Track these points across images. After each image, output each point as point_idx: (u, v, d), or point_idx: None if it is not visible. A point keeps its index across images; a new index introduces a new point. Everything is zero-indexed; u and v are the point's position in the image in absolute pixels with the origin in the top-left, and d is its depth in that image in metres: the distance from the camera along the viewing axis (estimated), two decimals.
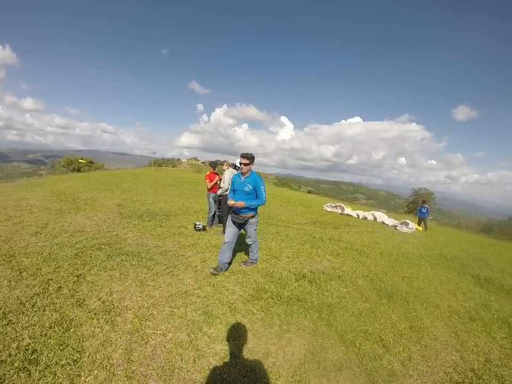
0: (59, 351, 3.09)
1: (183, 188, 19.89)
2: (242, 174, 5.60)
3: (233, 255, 6.29)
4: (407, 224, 15.56)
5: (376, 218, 17.38)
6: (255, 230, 5.88)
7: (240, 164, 5.46)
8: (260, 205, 5.60)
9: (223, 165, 8.84)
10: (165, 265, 5.64)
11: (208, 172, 9.17)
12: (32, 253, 5.54)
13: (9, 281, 4.42)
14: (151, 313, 3.97)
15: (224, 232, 8.24)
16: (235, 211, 5.62)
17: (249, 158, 5.46)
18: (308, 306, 4.62)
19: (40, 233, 6.69)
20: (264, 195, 5.56)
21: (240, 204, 5.37)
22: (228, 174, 8.23)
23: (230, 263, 5.83)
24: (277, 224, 11.13)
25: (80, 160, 51.15)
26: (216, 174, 9.18)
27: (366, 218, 17.38)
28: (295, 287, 5.29)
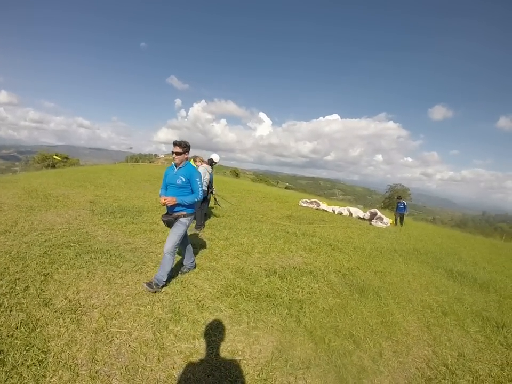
0: (25, 351, 3.05)
1: (158, 184, 19.46)
2: (176, 165, 4.79)
3: (197, 253, 6.34)
4: (382, 219, 15.78)
5: (351, 213, 17.65)
6: (181, 233, 4.74)
7: (172, 152, 4.72)
8: (194, 201, 4.73)
9: (195, 161, 8.70)
10: (134, 262, 5.59)
11: None
12: (0, 252, 5.41)
13: None
14: (117, 312, 3.94)
15: (196, 227, 8.20)
16: (168, 210, 4.83)
17: (183, 146, 4.67)
18: (277, 303, 4.65)
19: (9, 232, 6.53)
20: (199, 189, 4.76)
21: (171, 200, 4.56)
22: (202, 170, 8.18)
23: (194, 266, 5.60)
24: (250, 220, 11.15)
25: (54, 156, 50.04)
26: None
27: (341, 213, 17.65)
28: (265, 283, 5.31)
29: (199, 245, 7.01)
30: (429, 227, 22.52)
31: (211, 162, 9.03)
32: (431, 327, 4.74)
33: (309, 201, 19.82)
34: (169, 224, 4.78)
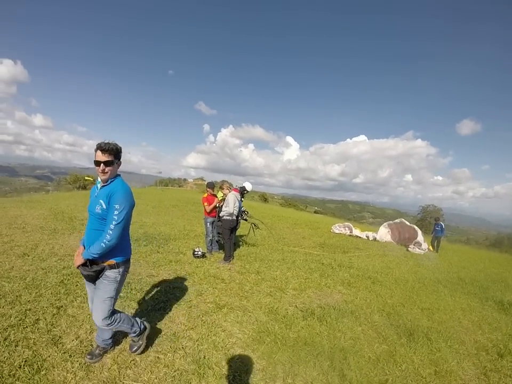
0: None
1: (186, 209, 19.40)
2: (102, 181, 3.15)
3: (227, 289, 5.77)
4: (420, 245, 14.92)
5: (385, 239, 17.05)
6: (111, 296, 3.11)
7: (97, 163, 2.99)
8: (106, 248, 2.92)
9: (221, 188, 8.25)
10: (156, 299, 5.07)
11: (206, 194, 8.47)
12: (15, 278, 5.11)
13: None
14: (133, 360, 3.39)
15: (225, 259, 7.64)
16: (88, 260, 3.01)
17: (113, 151, 3.05)
18: (317, 352, 3.98)
19: (28, 255, 6.28)
20: (116, 223, 2.92)
21: (77, 259, 3.05)
22: (232, 197, 7.70)
23: (109, 346, 3.50)
24: (282, 250, 10.56)
25: (86, 178, 51.18)
26: (215, 196, 8.54)
27: (375, 239, 16.98)
28: (303, 327, 4.65)
29: (228, 280, 6.45)
30: (466, 250, 21.57)
31: (243, 190, 8.55)
32: (488, 373, 4.09)
33: (341, 226, 19.40)
34: (91, 279, 3.08)
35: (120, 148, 3.14)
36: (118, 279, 3.13)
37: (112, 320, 3.17)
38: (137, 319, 3.57)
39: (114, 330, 3.31)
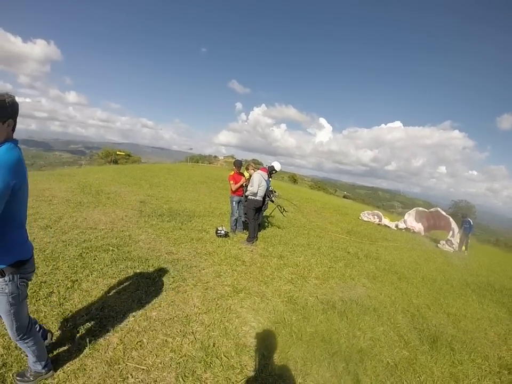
0: None
1: (214, 186, 19.27)
2: None
3: (247, 272, 5.57)
4: (452, 244, 14.34)
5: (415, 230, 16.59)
6: (11, 309, 2.31)
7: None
8: None
9: (247, 169, 8.15)
10: (173, 277, 4.92)
11: (233, 172, 8.26)
12: (35, 249, 4.97)
13: None
14: (140, 341, 3.27)
15: (248, 240, 7.51)
16: None
17: None
18: (333, 351, 3.73)
19: (51, 227, 6.27)
20: None
21: None
22: (257, 177, 7.53)
23: (47, 370, 2.72)
24: (308, 234, 10.31)
25: (118, 152, 52.12)
26: (242, 174, 8.33)
27: (405, 229, 16.76)
28: (321, 321, 4.40)
29: (249, 262, 6.26)
30: (495, 251, 20.68)
31: (271, 170, 8.31)
32: None
33: (370, 213, 19.09)
34: None
35: (9, 101, 2.10)
36: (7, 290, 2.23)
37: (24, 335, 2.47)
38: (49, 359, 2.77)
39: (39, 352, 2.59)
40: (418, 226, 17.17)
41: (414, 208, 18.04)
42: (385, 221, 17.77)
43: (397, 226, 17.13)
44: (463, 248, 15.23)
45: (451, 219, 15.28)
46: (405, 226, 16.96)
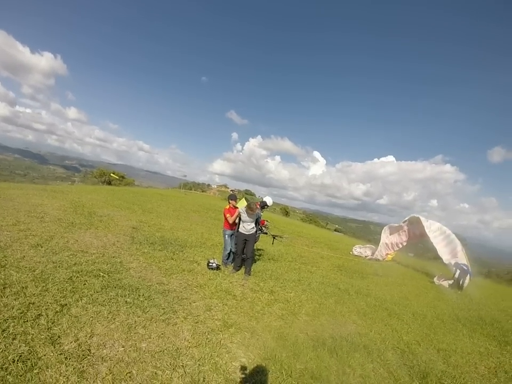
0: None
1: (207, 216, 19.24)
2: None
3: (238, 306, 5.48)
4: (445, 279, 14.34)
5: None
6: None
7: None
8: None
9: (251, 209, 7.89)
10: (163, 309, 4.85)
11: (228, 206, 8.16)
12: (25, 268, 5.04)
13: None
14: (130, 372, 3.21)
15: (235, 269, 7.58)
16: None
17: None
18: None
19: (41, 247, 6.23)
20: None
21: None
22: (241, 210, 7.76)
23: None
24: (299, 269, 10.26)
25: (111, 174, 52.08)
26: (237, 208, 8.18)
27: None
28: (311, 358, 4.37)
29: (240, 297, 6.22)
30: (486, 284, 20.71)
31: (263, 205, 8.38)
32: None
33: (362, 247, 19.32)
34: None
35: None
36: None
37: None
38: None
39: None
40: (380, 254, 17.74)
41: (387, 225, 18.25)
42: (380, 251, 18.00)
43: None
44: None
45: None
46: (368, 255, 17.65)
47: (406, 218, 17.33)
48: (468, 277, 13.94)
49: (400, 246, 17.72)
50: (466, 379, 4.83)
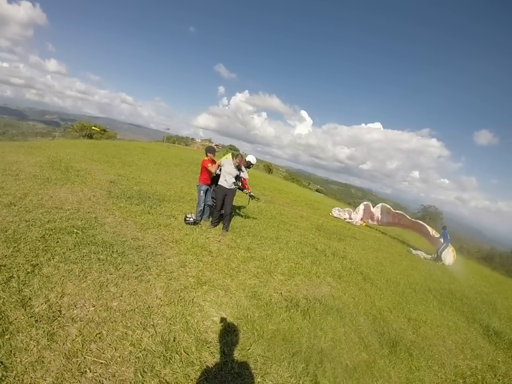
0: None
1: (188, 170, 19.08)
2: None
3: (213, 263, 5.54)
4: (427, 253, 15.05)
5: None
6: None
7: None
8: None
9: (236, 158, 7.68)
10: (136, 265, 4.82)
11: (207, 158, 7.81)
12: None
13: None
14: (100, 333, 3.21)
15: (212, 225, 7.69)
16: None
17: None
18: (294, 350, 3.79)
19: (15, 205, 6.03)
20: None
21: None
22: (223, 161, 7.69)
23: None
24: (278, 227, 10.36)
25: (93, 127, 50.84)
26: (215, 162, 7.92)
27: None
28: (284, 319, 4.44)
29: (216, 253, 6.22)
30: (458, 259, 21.44)
31: (248, 165, 8.28)
32: None
33: (341, 210, 19.72)
34: None
35: None
36: None
37: None
38: None
39: None
40: (356, 219, 18.45)
41: (380, 204, 18.61)
42: (355, 216, 18.43)
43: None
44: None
45: (428, 227, 15.76)
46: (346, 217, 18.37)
47: (378, 206, 18.14)
48: (443, 247, 14.56)
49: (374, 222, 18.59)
50: (434, 352, 5.01)
